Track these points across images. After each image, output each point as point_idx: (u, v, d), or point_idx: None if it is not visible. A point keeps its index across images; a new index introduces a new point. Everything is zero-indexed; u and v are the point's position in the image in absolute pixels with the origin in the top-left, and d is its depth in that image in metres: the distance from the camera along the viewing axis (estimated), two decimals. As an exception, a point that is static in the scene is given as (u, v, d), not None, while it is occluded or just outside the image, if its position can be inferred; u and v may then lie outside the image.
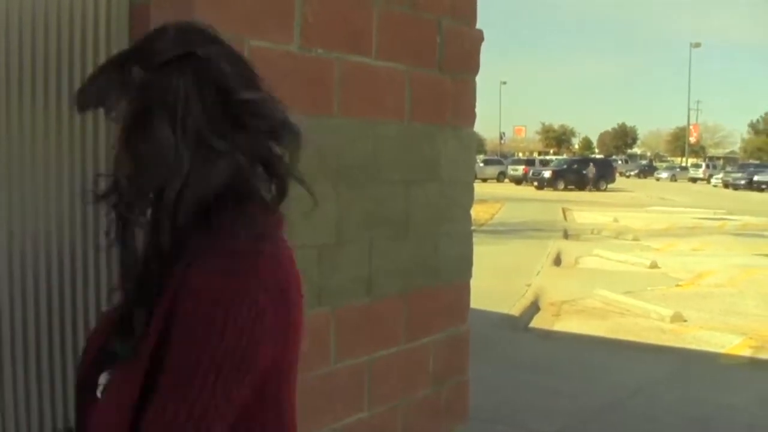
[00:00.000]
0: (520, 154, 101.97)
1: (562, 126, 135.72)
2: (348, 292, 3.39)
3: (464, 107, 3.99)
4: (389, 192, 3.57)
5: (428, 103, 3.76)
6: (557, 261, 17.29)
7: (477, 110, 4.04)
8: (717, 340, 10.08)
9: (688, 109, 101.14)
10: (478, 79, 4.01)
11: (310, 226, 3.19)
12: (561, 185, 51.22)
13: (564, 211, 31.24)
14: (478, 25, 4.06)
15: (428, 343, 3.84)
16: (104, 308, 2.56)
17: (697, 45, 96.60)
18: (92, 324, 2.90)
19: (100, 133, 3.28)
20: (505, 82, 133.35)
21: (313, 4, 3.13)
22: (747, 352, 9.56)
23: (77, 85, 3.21)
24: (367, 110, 3.43)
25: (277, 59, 3.03)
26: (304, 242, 3.16)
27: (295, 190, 3.16)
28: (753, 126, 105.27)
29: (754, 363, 9.11)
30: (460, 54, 3.93)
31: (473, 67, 4.05)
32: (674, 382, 7.92)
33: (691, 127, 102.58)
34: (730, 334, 10.45)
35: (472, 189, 4.10)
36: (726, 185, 61.32)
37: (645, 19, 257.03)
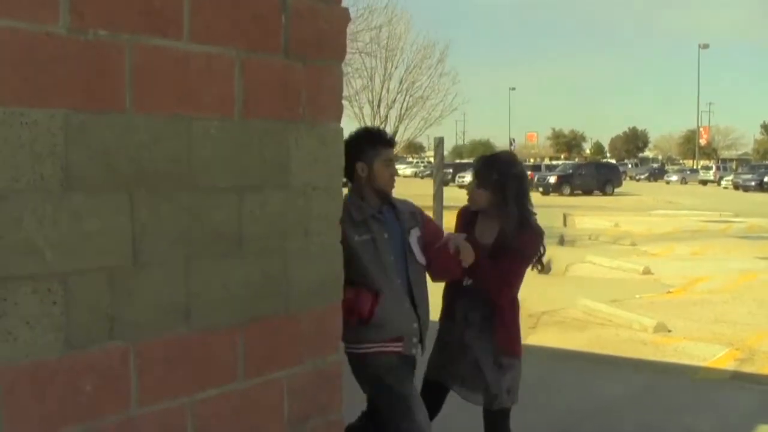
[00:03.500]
0: (531, 160, 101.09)
1: (572, 131, 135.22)
2: (154, 323, 2.79)
3: (324, 99, 3.37)
4: (214, 202, 2.96)
5: (271, 95, 3.15)
6: (546, 269, 16.66)
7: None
8: (700, 351, 9.48)
9: (698, 111, 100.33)
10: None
11: (95, 245, 2.64)
12: (567, 190, 50.63)
13: (565, 216, 30.53)
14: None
15: (280, 379, 3.23)
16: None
17: (705, 46, 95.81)
18: None
19: None
20: (513, 88, 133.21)
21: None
22: (730, 366, 8.94)
23: None
24: (176, 104, 2.81)
25: (36, 44, 2.44)
26: (84, 266, 2.61)
27: (69, 204, 2.61)
28: (765, 127, 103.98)
29: (735, 377, 8.51)
30: (316, 36, 3.32)
31: (336, 51, 3.42)
32: (639, 403, 7.31)
33: (701, 129, 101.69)
34: (715, 344, 9.86)
35: (339, 196, 3.49)
36: (736, 187, 60.56)
37: (651, 19, 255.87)
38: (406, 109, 34.32)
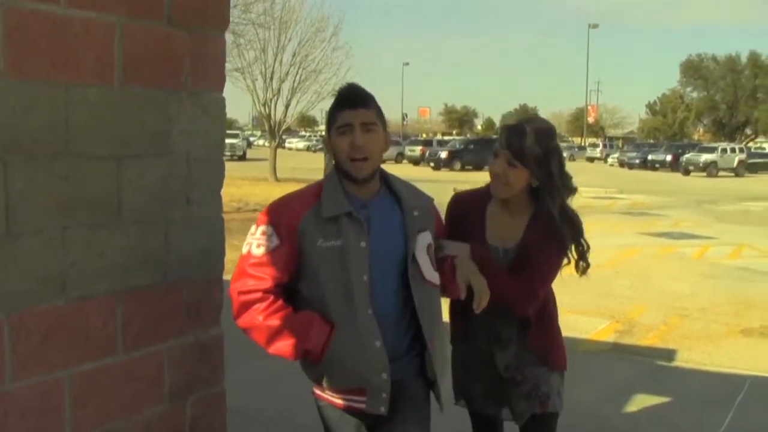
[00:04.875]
0: (424, 135, 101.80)
1: (464, 107, 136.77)
2: (30, 294, 2.72)
3: (208, 68, 3.33)
4: (92, 170, 2.90)
5: (152, 63, 3.09)
6: (434, 244, 16.82)
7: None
8: (584, 324, 9.74)
9: (587, 90, 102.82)
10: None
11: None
12: (458, 165, 51.13)
13: (455, 191, 30.87)
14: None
15: (160, 351, 3.20)
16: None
17: (595, 26, 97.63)
18: None
19: None
20: (407, 63, 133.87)
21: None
22: (611, 338, 9.25)
23: None
24: (52, 70, 2.75)
25: None
26: (-46, 233, 2.52)
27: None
28: (650, 107, 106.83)
29: (615, 349, 8.79)
30: (200, 5, 3.26)
31: (220, 21, 3.37)
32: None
33: (589, 107, 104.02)
34: (598, 317, 10.15)
35: (220, 167, 3.44)
36: (621, 164, 62.31)
37: None
38: (299, 83, 34.08)
